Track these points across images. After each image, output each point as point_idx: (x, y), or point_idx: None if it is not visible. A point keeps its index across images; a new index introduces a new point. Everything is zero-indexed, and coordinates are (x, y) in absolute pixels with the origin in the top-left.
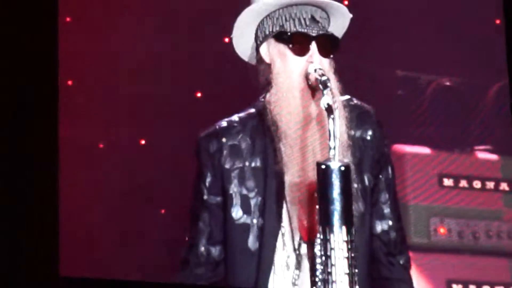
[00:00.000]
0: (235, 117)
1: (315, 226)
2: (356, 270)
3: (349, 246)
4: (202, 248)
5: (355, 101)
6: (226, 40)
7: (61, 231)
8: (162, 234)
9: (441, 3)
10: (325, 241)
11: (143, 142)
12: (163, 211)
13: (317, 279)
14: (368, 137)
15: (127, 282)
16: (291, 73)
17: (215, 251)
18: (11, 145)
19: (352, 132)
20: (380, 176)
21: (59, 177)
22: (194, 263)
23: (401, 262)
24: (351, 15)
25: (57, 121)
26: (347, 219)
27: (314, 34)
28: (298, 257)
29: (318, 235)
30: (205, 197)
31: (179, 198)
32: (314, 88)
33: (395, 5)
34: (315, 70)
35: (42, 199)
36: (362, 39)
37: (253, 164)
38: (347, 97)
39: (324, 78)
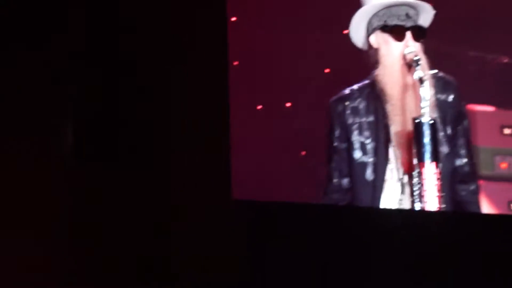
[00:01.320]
0: (355, 86)
1: (413, 163)
2: (443, 194)
3: (437, 177)
4: (336, 180)
5: (440, 73)
6: (345, 32)
7: (232, 160)
8: (302, 168)
9: None
10: (420, 174)
11: (288, 104)
12: (303, 152)
13: (415, 201)
14: (450, 100)
15: (287, 204)
16: (393, 54)
17: (345, 182)
18: (193, 111)
19: (438, 96)
20: (459, 127)
21: (230, 126)
22: (331, 191)
23: (472, 188)
24: (434, 11)
25: (227, 92)
26: (435, 158)
27: (408, 26)
28: (402, 185)
29: (415, 169)
30: (335, 144)
31: (314, 144)
32: (410, 64)
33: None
34: (410, 52)
35: (216, 139)
36: (444, 29)
37: (368, 120)
38: (435, 71)
39: (417, 57)
